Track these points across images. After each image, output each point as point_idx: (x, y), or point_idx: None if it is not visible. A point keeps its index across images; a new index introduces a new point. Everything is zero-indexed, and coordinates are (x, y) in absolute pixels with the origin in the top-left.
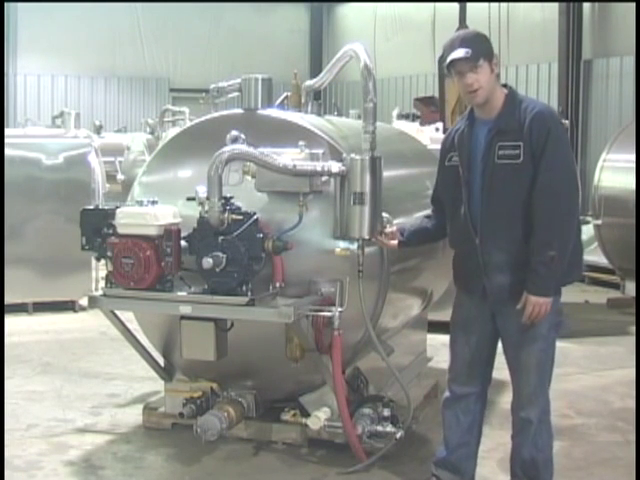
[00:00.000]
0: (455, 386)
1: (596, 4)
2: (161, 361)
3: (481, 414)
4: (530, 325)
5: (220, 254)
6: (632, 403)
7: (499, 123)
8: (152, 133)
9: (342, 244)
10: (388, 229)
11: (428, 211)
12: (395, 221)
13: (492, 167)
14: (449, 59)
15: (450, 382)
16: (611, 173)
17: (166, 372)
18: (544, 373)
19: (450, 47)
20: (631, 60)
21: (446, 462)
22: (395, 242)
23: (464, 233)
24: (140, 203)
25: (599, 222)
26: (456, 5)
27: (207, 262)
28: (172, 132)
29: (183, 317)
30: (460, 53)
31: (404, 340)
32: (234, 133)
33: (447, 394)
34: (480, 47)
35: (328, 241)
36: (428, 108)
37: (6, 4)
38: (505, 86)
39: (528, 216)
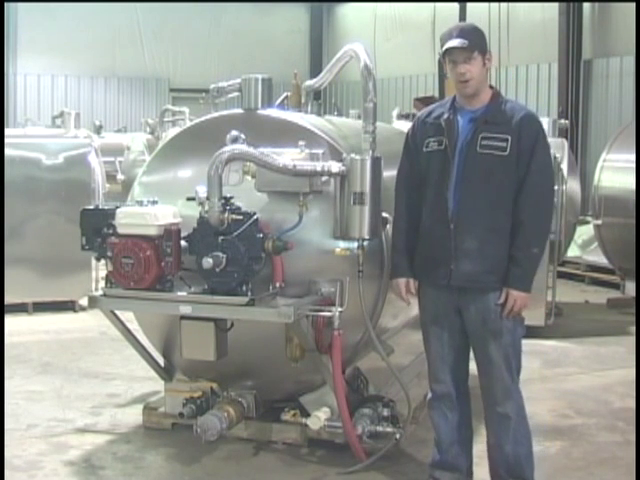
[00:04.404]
0: (435, 385)
1: (596, 4)
2: (161, 361)
3: (468, 408)
4: (494, 319)
5: (220, 254)
6: (632, 403)
7: (486, 114)
8: (152, 133)
9: (342, 244)
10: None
11: (403, 222)
12: None
13: (474, 155)
14: (445, 47)
15: (430, 382)
16: (611, 173)
17: (166, 372)
18: (513, 368)
19: (448, 36)
20: (631, 60)
21: (442, 463)
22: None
23: (438, 218)
24: (140, 203)
25: (599, 222)
26: (456, 5)
27: (207, 262)
28: (172, 132)
29: (183, 317)
30: (457, 42)
31: (404, 340)
32: (234, 133)
33: (430, 395)
34: (476, 40)
35: (328, 241)
36: None
37: (6, 4)
38: (491, 87)
39: (507, 209)
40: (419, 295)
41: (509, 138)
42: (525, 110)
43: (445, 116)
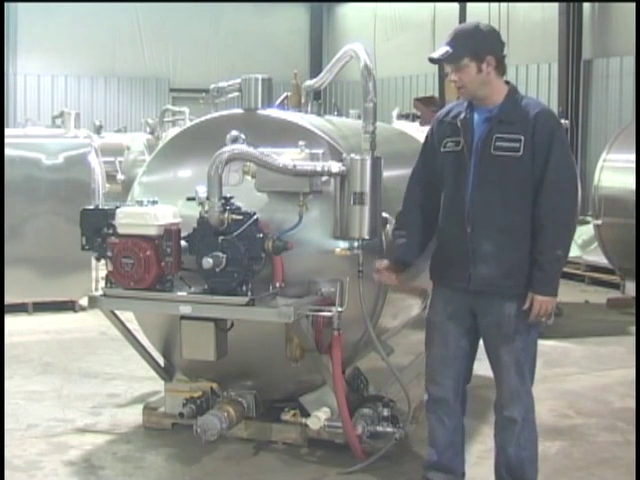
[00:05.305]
0: (432, 387)
1: (596, 4)
2: (161, 361)
3: (463, 411)
4: (508, 324)
5: (220, 254)
6: (632, 403)
7: (500, 114)
8: (152, 133)
9: (342, 244)
10: (379, 265)
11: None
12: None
13: (488, 157)
14: (429, 56)
15: (427, 383)
16: (611, 173)
17: (166, 372)
18: (525, 372)
19: (445, 39)
20: (631, 60)
21: (437, 464)
22: (393, 277)
23: (455, 220)
24: (140, 203)
25: (599, 222)
26: (456, 5)
27: (207, 262)
28: (172, 132)
29: (183, 317)
30: (437, 54)
31: (404, 340)
32: (234, 133)
33: (426, 397)
34: (467, 46)
35: (328, 241)
36: (428, 108)
37: (6, 4)
38: (507, 83)
39: (523, 211)
40: (432, 294)
41: (522, 138)
42: (540, 107)
43: (462, 116)
